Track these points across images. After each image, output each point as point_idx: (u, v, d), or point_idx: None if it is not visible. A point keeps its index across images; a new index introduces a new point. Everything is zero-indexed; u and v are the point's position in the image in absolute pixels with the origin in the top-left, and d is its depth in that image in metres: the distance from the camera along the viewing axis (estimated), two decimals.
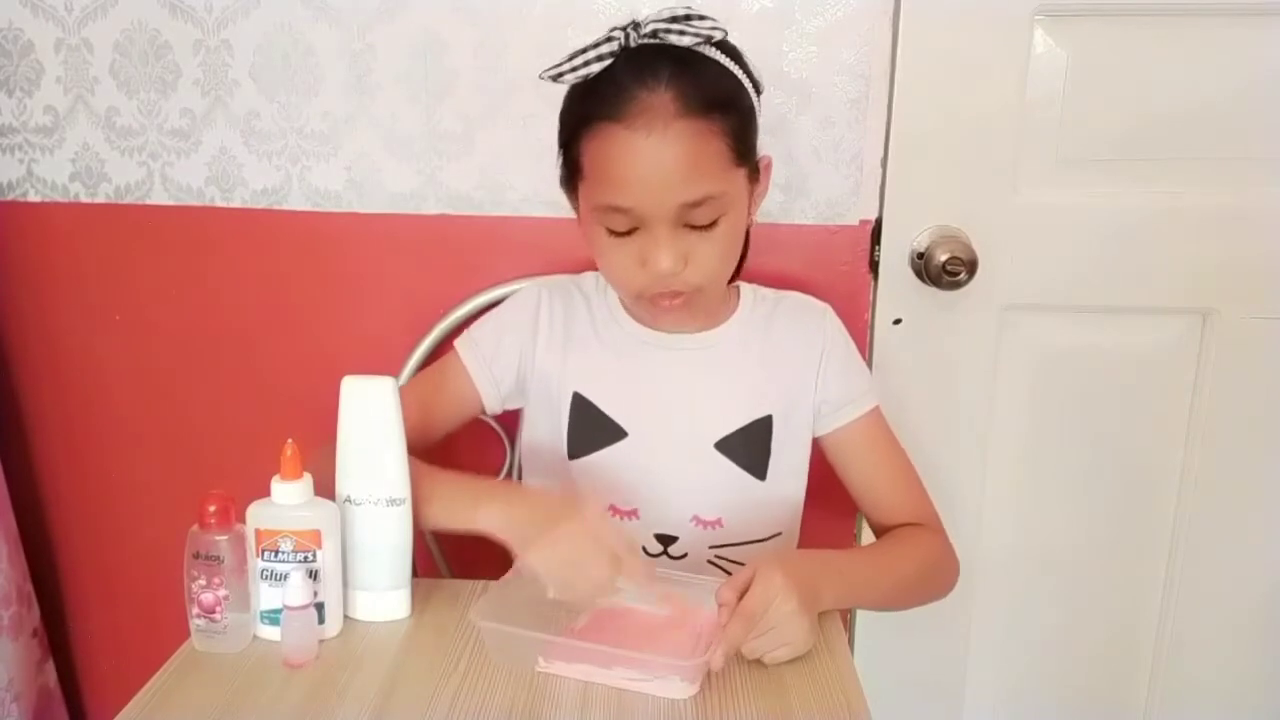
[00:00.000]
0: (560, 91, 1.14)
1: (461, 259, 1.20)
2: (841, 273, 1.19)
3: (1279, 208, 1.16)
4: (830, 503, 1.08)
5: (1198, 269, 1.18)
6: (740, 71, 0.90)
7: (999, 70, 1.13)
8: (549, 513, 0.85)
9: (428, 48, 1.14)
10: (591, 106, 0.87)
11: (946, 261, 1.15)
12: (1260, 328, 1.19)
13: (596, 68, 0.86)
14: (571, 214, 1.17)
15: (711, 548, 1.01)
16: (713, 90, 0.86)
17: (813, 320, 1.04)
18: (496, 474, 1.22)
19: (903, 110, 1.15)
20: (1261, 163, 1.15)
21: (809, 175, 1.15)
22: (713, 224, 0.88)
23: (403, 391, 1.05)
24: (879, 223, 1.18)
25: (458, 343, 1.05)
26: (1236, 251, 1.17)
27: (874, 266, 1.20)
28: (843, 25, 1.11)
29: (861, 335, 1.21)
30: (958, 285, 1.16)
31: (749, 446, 1.00)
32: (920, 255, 1.17)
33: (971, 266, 1.15)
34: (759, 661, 0.81)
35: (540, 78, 0.89)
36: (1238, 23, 1.11)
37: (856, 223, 1.18)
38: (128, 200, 1.22)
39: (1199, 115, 1.14)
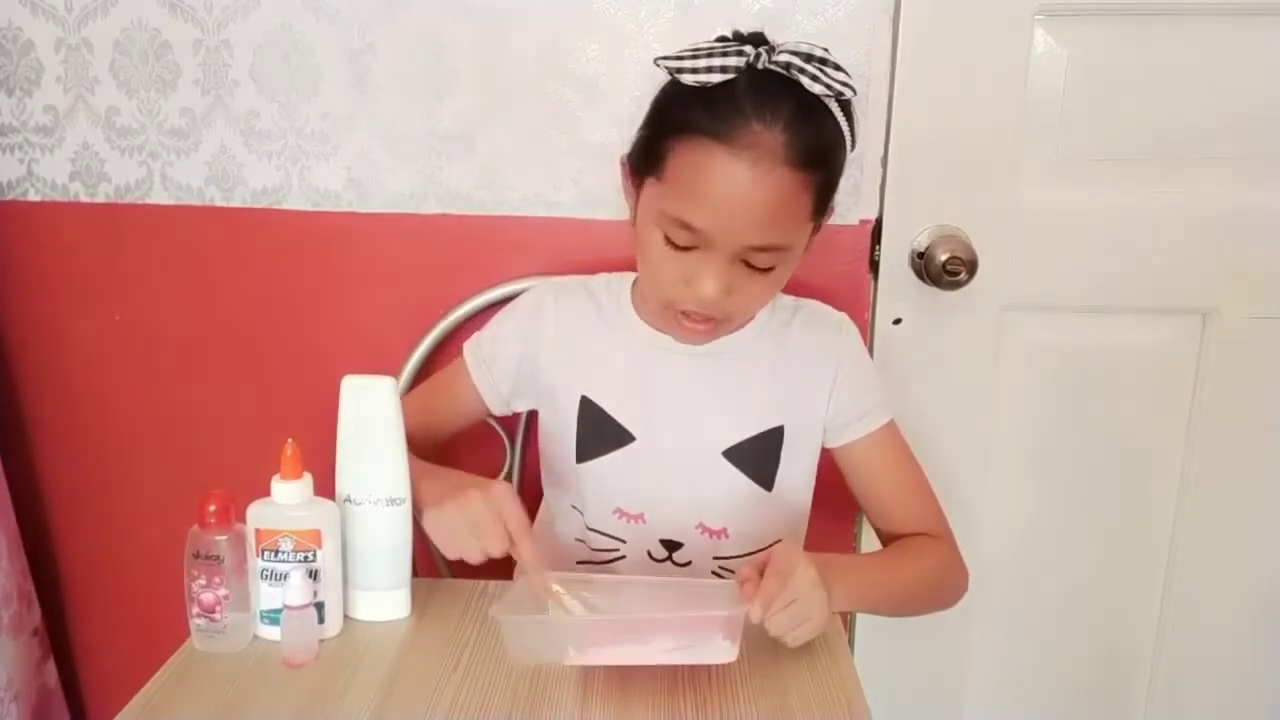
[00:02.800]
0: (565, 92, 1.14)
1: (461, 259, 1.20)
2: (841, 273, 1.19)
3: (1279, 208, 1.16)
4: (830, 507, 1.08)
5: (1198, 269, 1.18)
6: (848, 130, 0.87)
7: (999, 70, 1.13)
8: (462, 483, 0.86)
9: (428, 48, 1.14)
10: (700, 116, 0.84)
11: (946, 261, 1.15)
12: (1260, 328, 1.19)
13: (719, 78, 0.83)
14: (572, 214, 1.18)
15: (716, 558, 1.00)
16: (821, 145, 0.84)
17: (829, 331, 1.03)
18: (496, 474, 1.22)
19: (903, 110, 1.14)
20: (1262, 163, 1.15)
21: None
22: (769, 268, 0.88)
23: (414, 392, 1.06)
24: (879, 223, 1.18)
25: (465, 346, 1.05)
26: (1236, 251, 1.17)
27: (874, 266, 1.20)
28: (843, 25, 1.11)
29: (862, 335, 1.20)
30: (958, 285, 1.16)
31: (758, 457, 0.99)
32: (920, 255, 1.17)
33: (971, 266, 1.15)
34: (776, 649, 0.81)
35: (656, 64, 0.86)
36: (1239, 23, 1.11)
37: (856, 223, 1.18)
38: (128, 200, 1.22)
39: (1199, 115, 1.14)
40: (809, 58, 0.83)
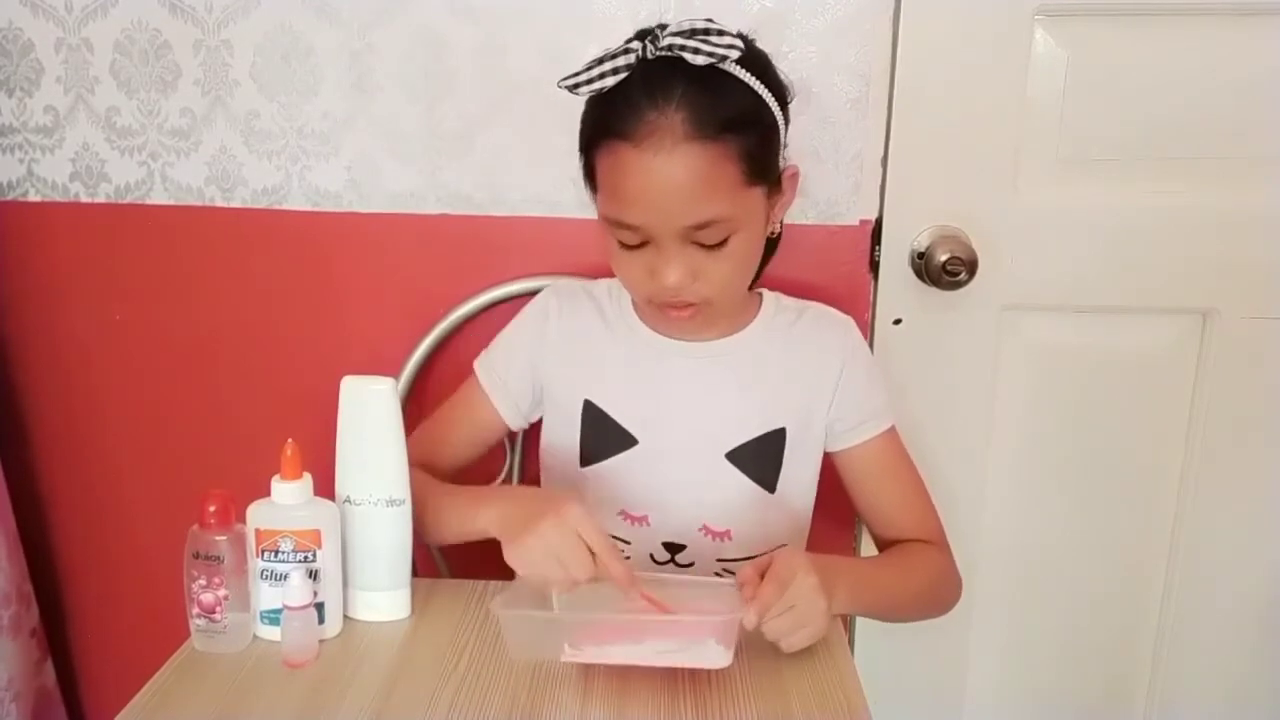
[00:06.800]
0: (560, 93, 1.14)
1: (461, 259, 1.20)
2: (841, 273, 1.19)
3: (1279, 208, 1.16)
4: (831, 512, 1.07)
5: (1198, 269, 1.18)
6: (762, 86, 0.87)
7: (999, 70, 1.13)
8: (533, 509, 0.83)
9: (428, 48, 1.14)
10: (605, 121, 0.86)
11: (946, 261, 1.15)
12: (1260, 328, 1.19)
13: (612, 81, 0.84)
14: (572, 214, 1.18)
15: (719, 560, 1.00)
16: (727, 111, 0.84)
17: (834, 334, 1.02)
18: (496, 478, 1.22)
19: (903, 110, 1.14)
20: (1261, 163, 1.15)
21: (809, 175, 1.15)
22: (722, 242, 0.87)
23: (431, 418, 1.05)
24: (879, 223, 1.18)
25: (476, 364, 1.05)
26: (1236, 251, 1.17)
27: (874, 266, 1.20)
28: (843, 25, 1.11)
29: (862, 335, 1.21)
30: (958, 285, 1.16)
31: (761, 459, 0.99)
32: (920, 255, 1.17)
33: (971, 266, 1.15)
34: (775, 649, 0.81)
35: (558, 86, 0.87)
36: (1238, 23, 1.11)
37: (856, 223, 1.18)
38: (128, 200, 1.22)
39: (1199, 115, 1.14)
40: (690, 33, 0.83)
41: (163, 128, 1.20)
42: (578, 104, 1.13)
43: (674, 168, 0.83)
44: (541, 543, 0.81)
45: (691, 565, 1.00)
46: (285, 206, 1.21)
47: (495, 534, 0.86)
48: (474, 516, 0.88)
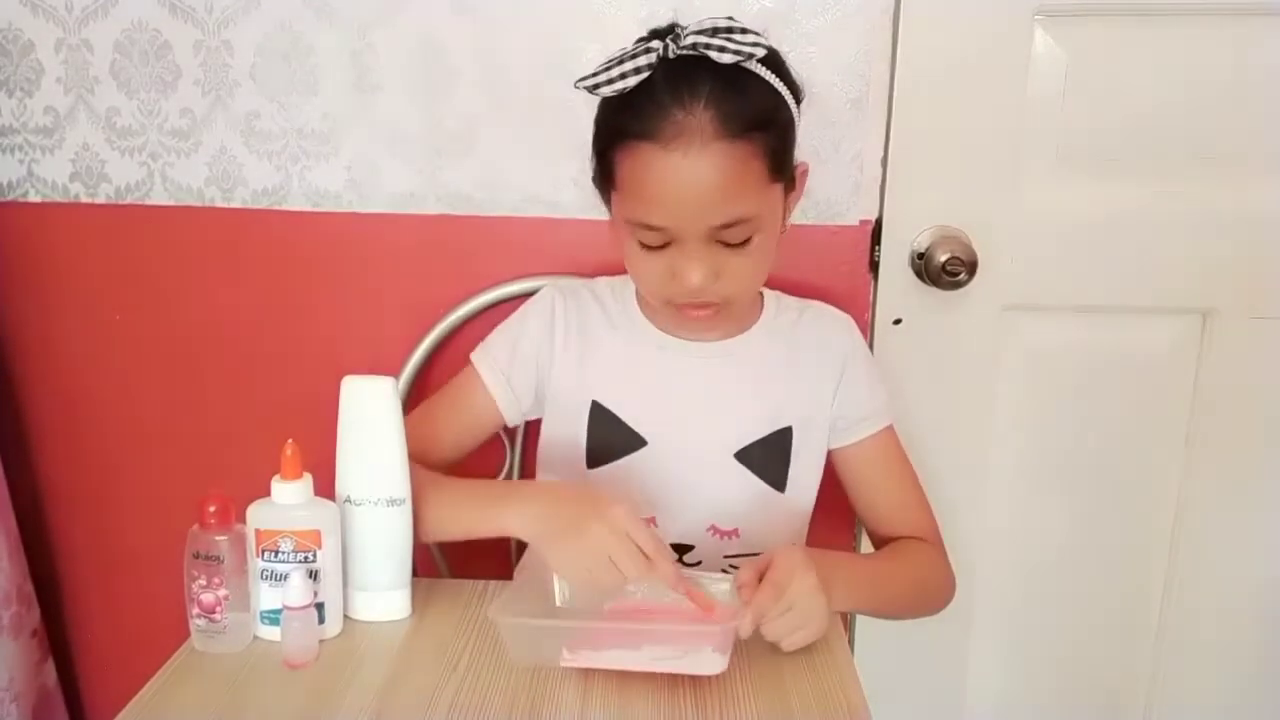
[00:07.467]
0: (560, 93, 1.14)
1: (461, 259, 1.20)
2: (841, 273, 1.19)
3: (1279, 208, 1.16)
4: (831, 512, 1.07)
5: (1198, 269, 1.18)
6: (782, 84, 0.87)
7: (999, 70, 1.13)
8: (575, 510, 0.82)
9: (428, 48, 1.14)
10: (628, 121, 0.85)
11: (946, 261, 1.15)
12: (1260, 328, 1.19)
13: (634, 80, 0.83)
14: (572, 214, 1.18)
15: (726, 556, 1.00)
16: (752, 109, 0.84)
17: (836, 333, 1.03)
18: (496, 475, 1.22)
19: (903, 110, 1.15)
20: (1261, 163, 1.15)
21: (809, 175, 1.15)
22: (745, 241, 0.87)
23: (422, 408, 1.04)
24: (879, 223, 1.18)
25: (474, 356, 1.03)
26: (1236, 251, 1.17)
27: (874, 266, 1.20)
28: (843, 25, 1.11)
29: (862, 335, 1.21)
30: (958, 285, 1.16)
31: (769, 458, 0.99)
32: (920, 255, 1.17)
33: (971, 266, 1.15)
34: (775, 648, 0.81)
35: (575, 87, 0.86)
36: (1238, 23, 1.11)
37: (856, 223, 1.18)
38: (128, 200, 1.22)
39: (1199, 115, 1.14)
40: (714, 31, 0.83)
41: (163, 128, 1.20)
42: (578, 104, 1.13)
43: (702, 168, 0.82)
44: (591, 545, 0.80)
45: (699, 565, 1.00)
46: (285, 207, 1.21)
47: (525, 535, 0.85)
48: (494, 516, 0.87)
